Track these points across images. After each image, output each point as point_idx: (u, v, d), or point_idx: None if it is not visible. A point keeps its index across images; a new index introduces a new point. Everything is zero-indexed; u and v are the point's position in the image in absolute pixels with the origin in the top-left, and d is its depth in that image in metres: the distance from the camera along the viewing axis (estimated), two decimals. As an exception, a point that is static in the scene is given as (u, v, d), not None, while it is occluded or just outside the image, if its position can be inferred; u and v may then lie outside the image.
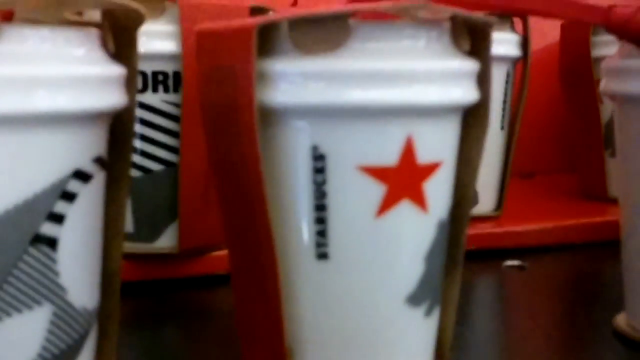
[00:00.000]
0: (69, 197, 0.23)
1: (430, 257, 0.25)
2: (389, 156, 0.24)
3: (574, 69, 0.53)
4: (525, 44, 0.48)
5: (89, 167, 0.24)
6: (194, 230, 0.38)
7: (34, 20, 0.24)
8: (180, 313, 0.36)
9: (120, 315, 0.27)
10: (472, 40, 0.26)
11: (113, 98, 0.24)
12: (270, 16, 0.29)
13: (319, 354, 0.25)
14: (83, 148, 0.23)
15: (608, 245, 0.37)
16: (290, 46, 0.23)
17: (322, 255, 0.24)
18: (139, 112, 0.37)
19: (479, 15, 0.25)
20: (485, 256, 0.44)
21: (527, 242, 0.45)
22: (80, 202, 0.24)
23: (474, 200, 0.48)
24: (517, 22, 0.49)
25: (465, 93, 0.25)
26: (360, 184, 0.24)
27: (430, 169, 0.24)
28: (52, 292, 0.23)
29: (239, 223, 0.25)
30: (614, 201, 0.35)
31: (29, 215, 0.22)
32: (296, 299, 0.25)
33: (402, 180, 0.24)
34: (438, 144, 0.25)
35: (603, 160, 0.52)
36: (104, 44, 0.25)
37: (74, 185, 0.23)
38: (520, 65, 0.49)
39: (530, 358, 0.32)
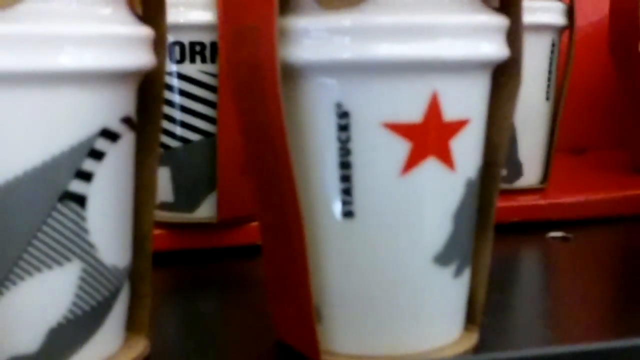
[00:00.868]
0: (97, 155, 0.23)
1: (458, 217, 0.25)
2: (414, 113, 0.23)
3: (624, 40, 0.52)
4: (571, 12, 0.47)
5: (116, 126, 0.24)
6: (232, 201, 0.38)
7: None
8: (219, 282, 0.36)
9: (152, 277, 0.27)
10: (502, -4, 0.26)
11: (139, 58, 0.24)
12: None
13: (346, 313, 0.25)
14: (110, 107, 0.24)
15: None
16: (313, 2, 0.23)
17: (348, 214, 0.24)
18: (178, 83, 0.38)
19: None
20: (529, 228, 0.43)
21: (572, 214, 0.44)
22: (108, 161, 0.24)
23: (519, 172, 0.47)
24: (563, -10, 0.48)
25: (493, 49, 0.24)
26: (384, 141, 0.23)
27: (457, 126, 0.24)
28: (82, 248, 0.24)
29: (266, 183, 0.25)
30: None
31: (57, 172, 0.23)
32: (323, 258, 0.25)
33: (428, 137, 0.24)
34: (465, 101, 0.24)
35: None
36: (131, 5, 0.25)
37: (101, 144, 0.24)
38: (567, 34, 0.48)
39: (571, 328, 0.31)
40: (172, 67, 0.38)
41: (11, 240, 0.23)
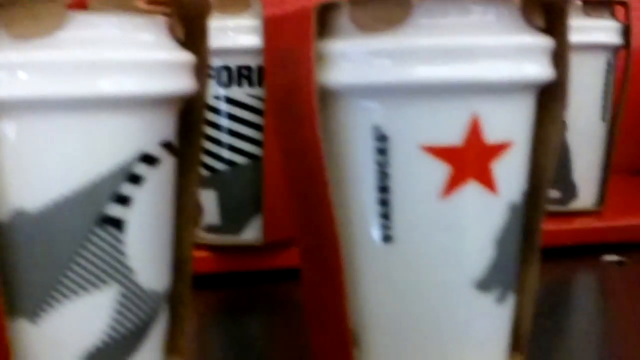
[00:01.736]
0: (136, 179, 0.24)
1: (501, 242, 0.24)
2: (454, 136, 0.23)
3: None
4: (627, 31, 0.46)
5: (156, 151, 0.24)
6: (278, 223, 0.38)
7: (106, 9, 0.25)
8: (264, 305, 0.36)
9: (196, 299, 0.27)
10: (547, 16, 0.25)
11: (179, 84, 0.24)
12: None
13: (385, 339, 0.24)
14: (150, 132, 0.24)
15: None
16: (351, 25, 0.23)
17: (387, 238, 0.24)
18: (225, 106, 0.38)
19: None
20: (583, 252, 0.42)
21: (628, 238, 0.43)
22: (147, 185, 0.24)
23: (573, 194, 0.46)
24: (619, 9, 0.47)
25: (537, 70, 0.24)
26: (423, 165, 0.23)
27: (499, 148, 0.23)
28: (119, 272, 0.24)
29: (304, 206, 0.25)
30: None
31: (96, 196, 0.23)
32: (361, 283, 0.24)
33: (468, 160, 0.23)
34: (507, 124, 0.24)
35: None
36: (172, 32, 0.25)
37: (140, 168, 0.24)
38: (622, 54, 0.47)
39: (624, 354, 0.30)
40: (220, 91, 0.38)
41: (50, 263, 0.23)
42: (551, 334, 0.31)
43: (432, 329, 0.24)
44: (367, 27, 0.23)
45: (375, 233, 0.24)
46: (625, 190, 0.53)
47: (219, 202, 0.39)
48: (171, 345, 0.27)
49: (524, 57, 0.23)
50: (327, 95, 0.23)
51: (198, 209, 0.40)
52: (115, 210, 0.23)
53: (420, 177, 0.23)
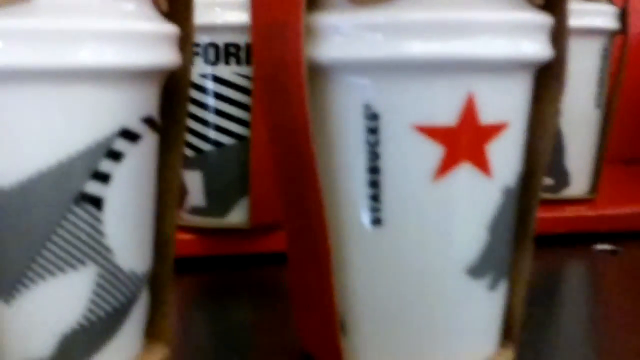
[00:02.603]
0: (115, 156, 0.23)
1: (494, 226, 0.23)
2: (448, 115, 0.22)
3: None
4: (624, 16, 0.45)
5: (137, 126, 0.23)
6: (265, 206, 0.37)
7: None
8: (250, 289, 0.35)
9: (174, 284, 0.26)
10: (546, -6, 0.24)
11: (162, 56, 0.23)
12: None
13: (373, 325, 0.23)
14: (130, 106, 0.23)
15: None
16: (343, -2, 0.22)
17: (376, 221, 0.23)
18: (212, 85, 0.37)
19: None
20: (576, 240, 0.42)
21: (621, 226, 0.42)
22: (128, 162, 0.23)
23: (566, 181, 0.45)
24: (616, -6, 0.46)
25: (535, 48, 0.23)
26: (416, 145, 0.22)
27: (495, 130, 0.23)
28: (97, 252, 0.23)
29: (291, 188, 0.24)
30: None
31: (73, 173, 0.22)
32: (349, 267, 0.23)
33: (462, 141, 0.22)
34: (504, 104, 0.23)
35: None
36: (156, 2, 0.24)
37: (120, 144, 0.23)
38: (619, 39, 0.46)
39: (615, 347, 0.29)
40: (207, 69, 0.37)
41: (25, 242, 0.22)
42: (542, 322, 0.30)
43: (421, 315, 0.23)
44: (360, 0, 0.22)
45: (365, 216, 0.23)
46: (620, 179, 0.52)
47: (205, 183, 0.38)
48: (153, 329, 0.26)
49: (522, 34, 0.22)
50: (317, 72, 0.22)
51: (182, 190, 0.39)
52: (93, 188, 0.22)
53: (412, 158, 0.22)
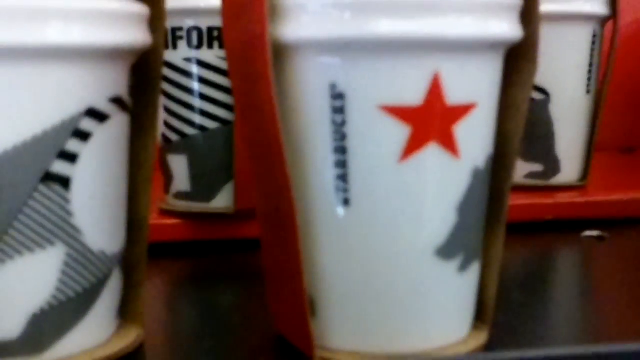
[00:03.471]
0: (83, 135, 0.23)
1: (463, 208, 0.23)
2: (414, 95, 0.22)
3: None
4: (614, 1, 0.45)
5: (104, 106, 0.23)
6: (250, 191, 0.37)
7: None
8: (233, 274, 0.35)
9: (147, 266, 0.26)
10: (518, -26, 0.24)
11: (130, 36, 0.23)
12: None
13: (342, 307, 0.23)
14: (98, 86, 0.23)
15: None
16: (309, -23, 0.22)
17: (344, 202, 0.23)
18: (196, 69, 0.37)
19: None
20: (566, 227, 0.41)
21: (609, 213, 0.42)
22: (95, 142, 0.23)
23: (556, 168, 0.45)
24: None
25: (504, 28, 0.23)
26: (382, 125, 0.22)
27: (462, 110, 0.22)
28: (65, 232, 0.23)
29: (260, 168, 0.24)
30: None
31: (39, 152, 0.22)
32: (318, 248, 0.23)
33: (429, 121, 0.22)
34: (472, 84, 0.23)
35: None
36: (126, -18, 0.24)
37: (87, 124, 0.23)
38: (610, 25, 0.45)
39: (597, 330, 0.29)
40: (191, 53, 0.37)
41: (-10, 221, 0.22)
42: (523, 308, 0.30)
43: (390, 296, 0.23)
44: (326, -21, 0.22)
45: (333, 197, 0.23)
46: (612, 167, 0.52)
47: (190, 168, 0.38)
48: (127, 311, 0.26)
49: (490, 14, 0.22)
50: (283, 51, 0.22)
51: (167, 175, 0.39)
52: (60, 167, 0.22)
53: (378, 138, 0.22)
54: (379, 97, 0.22)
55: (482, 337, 0.25)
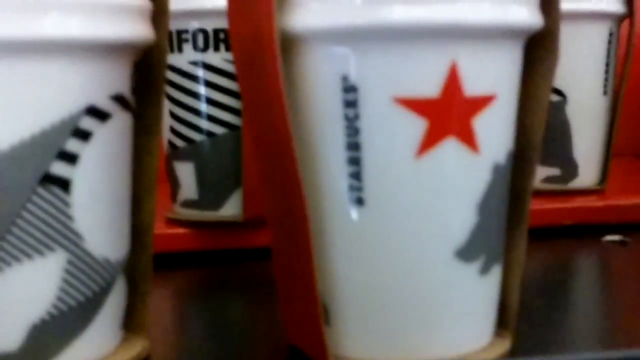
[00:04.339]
0: (83, 135, 0.22)
1: (484, 206, 0.22)
2: (430, 86, 0.21)
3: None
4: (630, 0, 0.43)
5: (105, 104, 0.22)
6: (259, 198, 0.36)
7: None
8: (242, 284, 0.34)
9: (153, 274, 0.25)
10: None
11: (132, 31, 0.22)
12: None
13: (358, 313, 0.22)
14: (98, 83, 0.22)
15: None
16: (318, -36, 0.21)
17: (357, 201, 0.21)
18: (202, 73, 0.36)
19: None
20: (585, 231, 0.40)
21: (630, 217, 0.41)
22: (96, 142, 0.22)
23: (574, 172, 0.44)
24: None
25: (524, 15, 0.22)
26: (397, 119, 0.21)
27: (481, 102, 0.21)
28: (66, 237, 0.22)
29: (269, 168, 0.23)
30: None
31: (37, 152, 0.21)
32: (330, 251, 0.22)
33: (446, 114, 0.21)
34: (491, 75, 0.21)
35: None
36: (127, -24, 0.23)
37: (88, 123, 0.22)
38: (626, 23, 0.44)
39: (621, 337, 0.28)
40: (197, 56, 0.36)
41: (-14, 226, 0.21)
42: (546, 314, 0.29)
43: (408, 301, 0.22)
44: (336, -34, 0.21)
45: (346, 195, 0.22)
46: (629, 171, 0.51)
47: (197, 175, 0.37)
48: (132, 322, 0.25)
49: (509, 0, 0.21)
50: (291, 43, 0.21)
51: (174, 183, 0.38)
52: (60, 169, 0.21)
53: (393, 133, 0.21)
54: (394, 89, 0.21)
55: (505, 344, 0.24)
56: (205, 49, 0.35)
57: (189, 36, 0.35)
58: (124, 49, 0.22)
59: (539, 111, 0.23)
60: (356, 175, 0.21)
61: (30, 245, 0.21)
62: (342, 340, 0.23)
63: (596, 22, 0.43)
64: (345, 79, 0.21)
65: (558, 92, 0.43)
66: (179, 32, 0.35)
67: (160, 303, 0.31)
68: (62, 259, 0.22)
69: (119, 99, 0.22)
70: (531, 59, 0.23)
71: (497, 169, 0.22)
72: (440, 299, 0.22)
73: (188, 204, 0.37)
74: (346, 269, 0.22)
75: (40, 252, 0.21)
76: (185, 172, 0.37)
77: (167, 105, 0.37)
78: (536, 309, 0.29)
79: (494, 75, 0.21)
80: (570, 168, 0.44)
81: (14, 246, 0.21)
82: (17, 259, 0.21)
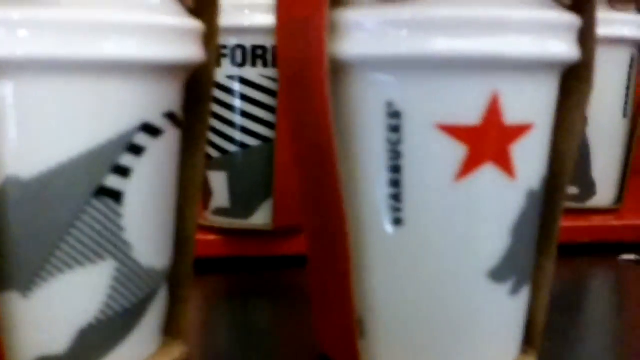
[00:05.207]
0: (136, 150, 0.23)
1: (517, 230, 0.23)
2: (472, 114, 0.22)
3: None
4: (653, 25, 0.44)
5: (158, 121, 0.23)
6: (289, 208, 0.37)
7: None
8: (272, 292, 0.35)
9: (193, 283, 0.26)
10: (574, -6, 0.24)
11: (186, 52, 0.23)
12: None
13: (391, 328, 0.23)
14: (153, 101, 0.23)
15: None
16: (367, -5, 0.22)
17: (397, 221, 0.22)
18: (239, 87, 0.37)
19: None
20: (601, 250, 0.41)
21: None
22: (149, 157, 0.23)
23: (592, 191, 0.45)
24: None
25: (562, 48, 0.22)
26: (438, 144, 0.22)
27: (519, 130, 0.22)
28: (116, 247, 0.23)
29: (311, 186, 0.24)
30: None
31: (93, 166, 0.22)
32: (368, 268, 0.23)
33: (486, 141, 0.22)
34: (529, 104, 0.22)
35: None
36: (181, -2, 0.24)
37: (142, 139, 0.23)
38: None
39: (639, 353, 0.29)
40: (233, 71, 0.37)
41: (43, 235, 0.22)
42: (566, 331, 0.30)
43: (441, 318, 0.23)
44: (384, -3, 0.22)
45: (385, 216, 0.22)
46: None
47: (229, 184, 0.38)
48: (171, 327, 0.26)
49: (548, 34, 0.22)
50: (340, 68, 0.22)
51: (207, 191, 0.39)
52: (113, 182, 0.22)
53: (434, 158, 0.22)
54: (436, 115, 0.22)
55: (530, 361, 0.25)
56: (242, 64, 0.36)
57: (227, 51, 0.36)
58: (177, 69, 0.23)
59: (572, 138, 0.24)
60: (396, 197, 0.22)
61: (82, 254, 0.22)
62: (376, 353, 0.24)
63: (619, 48, 0.43)
64: (390, 104, 0.22)
65: (580, 113, 0.44)
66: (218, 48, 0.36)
67: (192, 307, 0.32)
68: (112, 267, 0.23)
69: (170, 116, 0.23)
70: (566, 88, 0.24)
71: (531, 195, 0.23)
72: (472, 317, 0.23)
73: (220, 212, 0.38)
74: (383, 285, 0.23)
75: (91, 260, 0.22)
76: (218, 181, 0.38)
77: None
78: (556, 327, 0.29)
79: (532, 105, 0.22)
80: (588, 187, 0.45)
81: (68, 254, 0.22)
82: (70, 266, 0.22)
